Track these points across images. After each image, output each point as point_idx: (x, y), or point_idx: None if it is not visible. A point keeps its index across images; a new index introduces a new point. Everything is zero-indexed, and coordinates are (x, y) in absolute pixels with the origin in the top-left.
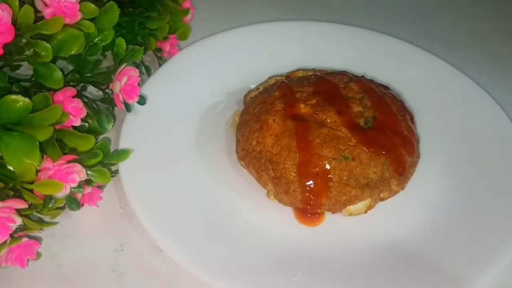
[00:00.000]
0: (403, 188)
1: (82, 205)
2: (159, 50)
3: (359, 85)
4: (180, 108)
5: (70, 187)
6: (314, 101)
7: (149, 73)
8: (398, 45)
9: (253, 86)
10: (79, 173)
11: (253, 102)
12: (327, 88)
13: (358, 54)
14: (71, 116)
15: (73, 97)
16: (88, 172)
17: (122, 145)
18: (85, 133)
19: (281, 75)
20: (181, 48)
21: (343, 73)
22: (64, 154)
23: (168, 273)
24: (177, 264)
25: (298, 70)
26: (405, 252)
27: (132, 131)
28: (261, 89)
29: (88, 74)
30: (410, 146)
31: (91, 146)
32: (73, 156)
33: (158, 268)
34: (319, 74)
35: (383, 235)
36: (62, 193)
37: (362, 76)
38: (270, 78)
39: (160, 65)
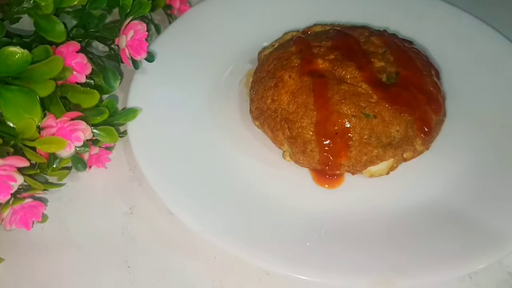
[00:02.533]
0: (427, 148)
1: (90, 166)
2: (169, 7)
3: (381, 39)
4: (191, 68)
5: (75, 146)
6: (333, 56)
7: (158, 32)
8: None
9: (267, 44)
10: (84, 131)
11: (268, 59)
12: (347, 43)
13: (379, 8)
14: (75, 72)
15: (77, 52)
16: (94, 130)
17: (131, 105)
18: (88, 88)
19: (298, 31)
20: (191, 5)
21: (363, 28)
22: (68, 111)
23: (179, 237)
24: (189, 228)
25: (315, 25)
26: (430, 216)
27: (141, 91)
28: (276, 45)
29: (93, 30)
30: (436, 103)
31: (95, 102)
32: (77, 113)
33: (169, 232)
34: (338, 28)
35: (406, 198)
36: (66, 152)
37: (384, 30)
38: (285, 34)
39: (170, 23)
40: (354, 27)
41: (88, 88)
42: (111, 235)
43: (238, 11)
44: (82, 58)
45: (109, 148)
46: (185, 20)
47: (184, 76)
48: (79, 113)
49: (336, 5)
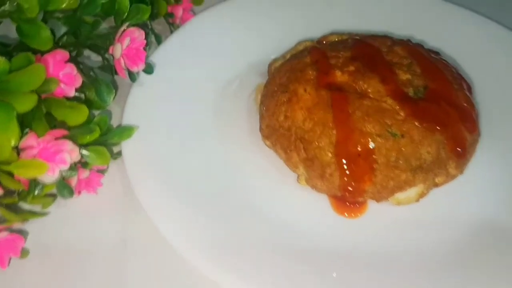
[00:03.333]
0: (462, 172)
1: (79, 192)
2: (171, 15)
3: (406, 49)
4: (194, 81)
5: (60, 170)
6: (353, 68)
7: (159, 42)
8: (447, 8)
9: (277, 55)
10: (70, 153)
11: (280, 71)
12: (368, 53)
13: (401, 16)
14: (62, 85)
15: (66, 62)
16: (83, 151)
17: (126, 122)
18: (75, 102)
19: (312, 41)
20: (195, 13)
21: (385, 37)
22: (53, 129)
23: (183, 278)
24: (194, 266)
25: (331, 34)
26: (466, 252)
27: (138, 106)
28: (288, 56)
29: (85, 37)
30: (470, 121)
31: (83, 118)
32: (62, 132)
33: (169, 271)
34: (357, 37)
35: (439, 230)
36: (49, 177)
37: (408, 40)
38: (298, 44)
39: (171, 32)
40: (374, 36)
41: (75, 103)
42: (102, 272)
43: (245, 19)
44: (71, 69)
45: (101, 171)
46: (188, 30)
47: (187, 91)
48: (65, 132)
49: (352, 12)
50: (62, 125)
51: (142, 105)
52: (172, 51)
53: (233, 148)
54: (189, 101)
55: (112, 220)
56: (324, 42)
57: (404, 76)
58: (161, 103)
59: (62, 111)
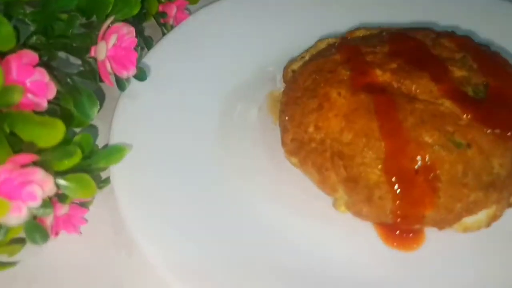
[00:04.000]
0: None
1: (56, 233)
2: (163, 15)
3: (454, 41)
4: (194, 90)
5: (29, 208)
6: (395, 65)
7: (149, 47)
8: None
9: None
10: (42, 184)
11: (302, 73)
12: (410, 47)
13: (438, 5)
14: (30, 95)
15: (35, 66)
16: (60, 181)
17: (115, 141)
18: (48, 117)
19: (335, 37)
20: (191, 12)
21: (426, 29)
22: (18, 152)
23: None
24: None
25: (358, 29)
26: None
27: (129, 121)
28: (307, 57)
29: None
30: None
31: (59, 138)
32: (31, 157)
33: None
34: (392, 31)
35: None
36: (15, 217)
37: (453, 32)
38: (319, 41)
39: (164, 34)
40: (413, 28)
41: (48, 117)
42: None
43: (251, 17)
44: (41, 75)
45: (84, 205)
46: (183, 30)
47: (186, 102)
48: (35, 156)
49: (378, 4)
50: (31, 147)
51: (133, 120)
52: (167, 55)
53: (247, 172)
54: (188, 114)
55: (101, 266)
56: (349, 38)
57: (459, 73)
58: (156, 117)
59: (30, 129)
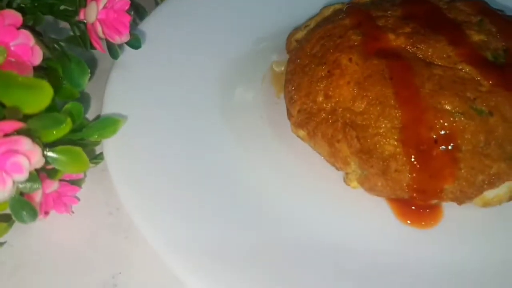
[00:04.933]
0: None
1: (46, 213)
2: None
3: (470, 5)
4: (193, 60)
5: (14, 182)
6: (409, 29)
7: (142, 16)
8: None
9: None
10: (28, 155)
11: (309, 40)
12: (424, 10)
13: None
14: (15, 60)
15: (19, 28)
16: (48, 153)
17: (107, 111)
18: (34, 78)
19: (341, 3)
20: None
21: None
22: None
23: None
24: None
25: None
26: None
27: (123, 92)
28: (312, 25)
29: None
30: None
31: (46, 102)
32: (16, 124)
33: None
34: None
35: None
36: None
37: None
38: (325, 8)
39: (157, 4)
40: None
41: (34, 78)
42: None
43: None
44: (26, 38)
45: (76, 183)
46: None
47: (184, 72)
48: (20, 124)
49: None
50: (15, 114)
51: (127, 91)
52: (163, 25)
53: (250, 146)
54: (186, 86)
55: (95, 249)
56: (358, 3)
57: (477, 37)
58: (152, 89)
59: (14, 92)
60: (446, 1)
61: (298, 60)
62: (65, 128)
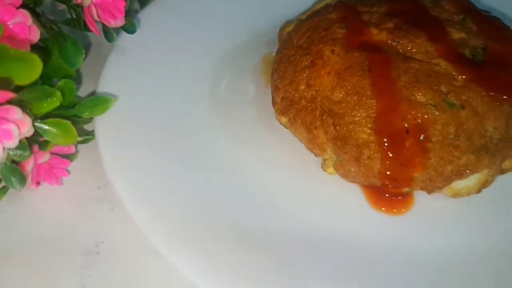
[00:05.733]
0: None
1: (37, 183)
2: None
3: (455, 4)
4: (189, 49)
5: (5, 148)
6: (392, 25)
7: (143, 4)
8: None
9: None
10: (19, 124)
11: (297, 32)
12: (408, 8)
13: None
14: (12, 37)
15: (18, 8)
16: (39, 124)
17: (102, 91)
18: (25, 51)
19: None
20: None
21: None
22: None
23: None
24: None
25: None
26: None
27: (118, 74)
28: (304, 19)
29: None
30: None
31: (36, 74)
32: (7, 94)
33: (152, 280)
34: None
35: (506, 230)
36: None
37: None
38: (316, 3)
39: None
40: None
41: (25, 51)
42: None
43: None
44: (24, 17)
45: (68, 156)
46: None
47: (180, 60)
48: (11, 94)
49: None
50: (7, 84)
51: (123, 73)
52: (164, 13)
53: (238, 129)
54: (181, 72)
55: (82, 219)
56: None
57: (457, 35)
58: (147, 73)
59: (6, 63)
60: None
61: (285, 51)
62: (55, 101)
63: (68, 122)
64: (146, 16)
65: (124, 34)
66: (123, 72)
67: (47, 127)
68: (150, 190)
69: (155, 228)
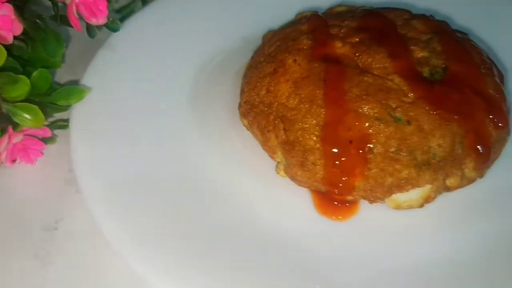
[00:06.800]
0: (481, 176)
1: (13, 161)
2: None
3: (426, 23)
4: (175, 54)
5: None
6: (357, 39)
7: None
8: None
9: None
10: None
11: (271, 39)
12: (378, 24)
13: None
14: None
15: (4, 2)
16: (6, 106)
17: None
18: None
19: (316, 12)
20: None
21: (403, 10)
22: None
23: (115, 273)
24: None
25: (340, 5)
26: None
27: (103, 71)
28: None
29: None
30: (499, 113)
31: (1, 62)
32: None
33: (103, 262)
34: (368, 8)
35: (447, 246)
36: None
37: (431, 16)
38: (300, 14)
39: None
40: (391, 9)
41: None
42: (20, 255)
43: None
44: (8, 11)
45: (45, 140)
46: None
47: (167, 61)
48: None
49: None
50: None
51: (108, 70)
52: (158, 14)
53: (208, 128)
54: (165, 74)
55: (48, 197)
56: (328, 13)
57: (420, 53)
58: (132, 72)
59: None
60: (405, 18)
61: (256, 57)
62: (23, 87)
63: (36, 107)
64: (143, 17)
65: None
66: (108, 68)
67: (15, 110)
68: (116, 181)
69: (110, 218)
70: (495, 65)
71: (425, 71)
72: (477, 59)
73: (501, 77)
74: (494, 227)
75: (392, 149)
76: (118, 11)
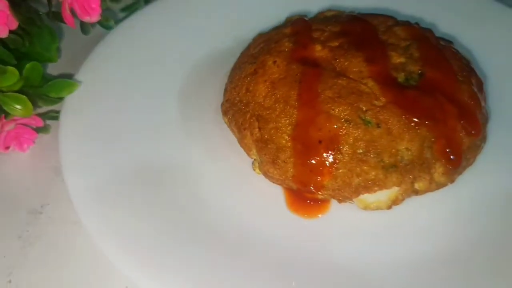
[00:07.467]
0: (452, 181)
1: (7, 147)
2: None
3: (408, 30)
4: (169, 54)
5: None
6: (337, 43)
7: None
8: None
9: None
10: None
11: (256, 41)
12: (360, 29)
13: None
14: None
15: None
16: (1, 97)
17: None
18: None
19: (305, 16)
20: None
21: (388, 16)
22: None
23: (90, 257)
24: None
25: (328, 10)
26: (442, 275)
27: (95, 67)
28: None
29: None
30: (471, 120)
31: None
32: None
33: (81, 247)
34: (353, 14)
35: (412, 247)
36: None
37: (416, 23)
38: (288, 18)
39: None
40: (376, 15)
41: None
42: (3, 237)
43: None
44: (4, 6)
45: (37, 129)
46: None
47: (159, 62)
48: None
49: None
50: None
51: (103, 66)
52: (157, 14)
53: (192, 126)
54: (157, 71)
55: (36, 183)
56: (316, 17)
57: (397, 59)
58: (125, 69)
59: None
60: (389, 24)
61: (241, 58)
62: (12, 77)
63: (24, 97)
64: (141, 16)
65: (116, 29)
66: (102, 65)
67: (7, 100)
68: (98, 172)
69: (88, 211)
70: (474, 73)
71: (401, 77)
72: (456, 66)
73: (480, 84)
74: (456, 231)
75: (360, 151)
76: (123, 9)
